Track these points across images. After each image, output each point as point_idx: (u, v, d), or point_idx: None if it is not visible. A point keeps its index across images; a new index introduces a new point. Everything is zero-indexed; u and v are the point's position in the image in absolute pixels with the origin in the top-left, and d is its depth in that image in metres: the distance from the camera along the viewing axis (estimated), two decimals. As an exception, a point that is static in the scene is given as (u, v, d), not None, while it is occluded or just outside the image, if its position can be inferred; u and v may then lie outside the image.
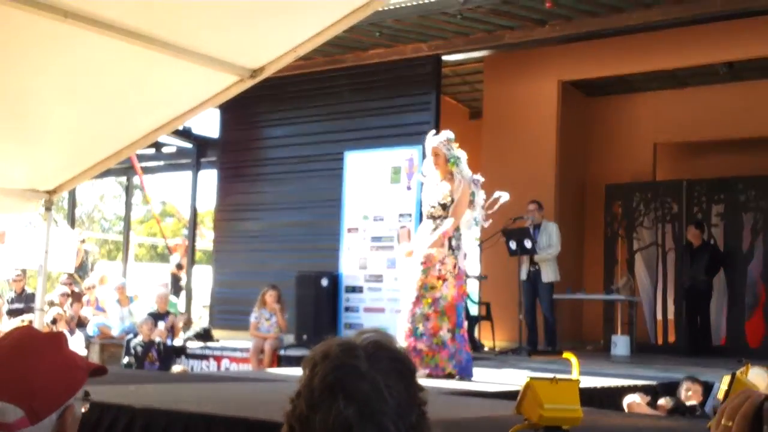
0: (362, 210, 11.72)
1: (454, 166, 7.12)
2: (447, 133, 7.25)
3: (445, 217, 7.01)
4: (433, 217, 7.09)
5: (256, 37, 7.35)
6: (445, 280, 6.86)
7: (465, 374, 6.86)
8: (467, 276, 7.84)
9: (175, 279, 14.30)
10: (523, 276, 10.57)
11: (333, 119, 12.24)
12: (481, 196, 7.26)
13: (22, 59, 6.78)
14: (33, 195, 8.38)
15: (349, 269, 11.69)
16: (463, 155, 7.20)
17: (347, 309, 11.60)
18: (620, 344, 10.75)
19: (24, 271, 13.21)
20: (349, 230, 11.79)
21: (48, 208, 8.40)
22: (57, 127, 7.69)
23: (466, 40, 11.21)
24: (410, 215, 11.28)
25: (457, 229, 7.01)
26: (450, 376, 6.77)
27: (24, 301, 12.13)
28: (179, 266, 14.53)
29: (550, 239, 10.66)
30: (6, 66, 6.81)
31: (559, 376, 2.69)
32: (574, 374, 3.66)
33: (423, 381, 1.35)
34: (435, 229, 6.99)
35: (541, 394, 2.63)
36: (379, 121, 11.77)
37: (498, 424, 3.41)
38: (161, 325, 11.15)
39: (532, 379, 2.72)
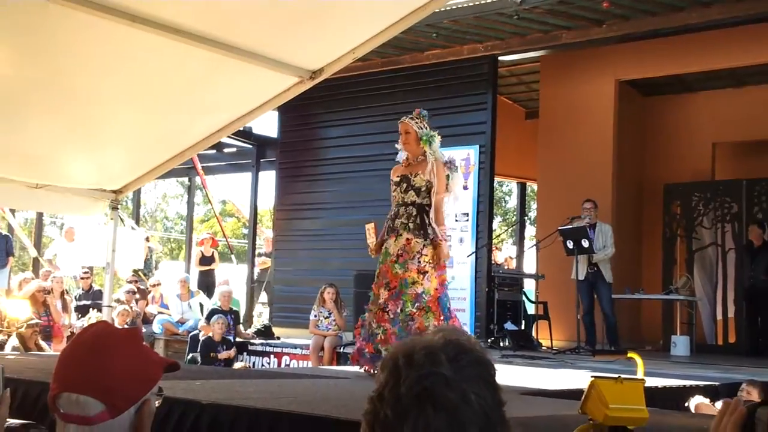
0: (419, 209, 11.78)
1: (427, 144, 6.37)
2: (421, 111, 6.68)
3: (421, 204, 6.26)
4: (405, 204, 6.31)
5: (315, 39, 7.47)
6: (425, 272, 6.10)
7: None
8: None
9: (204, 275, 14.32)
10: (580, 276, 10.52)
11: (390, 120, 12.28)
12: (458, 179, 6.57)
13: (90, 62, 6.98)
14: (100, 195, 8.61)
15: (406, 268, 11.75)
16: (437, 135, 6.50)
17: (404, 307, 11.66)
18: (680, 344, 10.66)
19: (91, 269, 13.52)
20: (407, 230, 11.85)
21: (114, 208, 8.63)
22: (123, 128, 7.89)
23: (522, 40, 11.21)
24: (467, 215, 11.32)
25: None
26: None
27: (91, 298, 12.41)
28: (203, 261, 14.57)
29: (605, 240, 10.59)
30: (75, 69, 7.02)
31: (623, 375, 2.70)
32: (639, 374, 3.65)
33: None
34: (411, 219, 6.24)
35: (606, 393, 2.62)
36: (436, 121, 11.66)
37: (562, 423, 3.45)
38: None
39: (596, 378, 2.71)
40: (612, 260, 10.66)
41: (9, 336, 8.58)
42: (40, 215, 16.98)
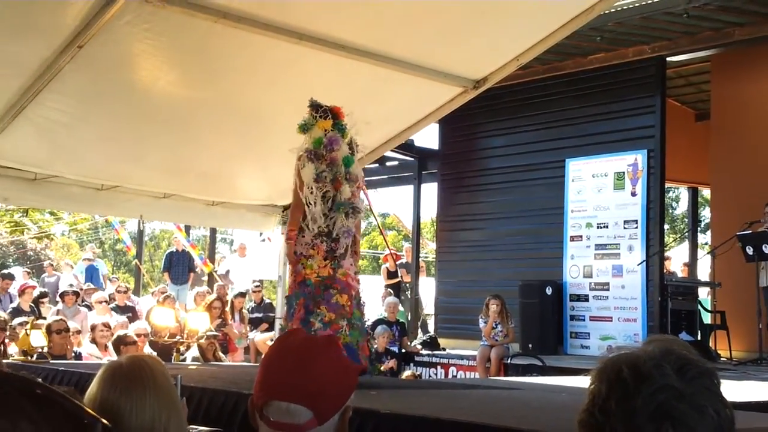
0: (585, 218, 11.54)
1: (301, 132, 6.08)
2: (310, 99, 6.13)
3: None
4: None
5: (479, 48, 7.45)
6: None
7: None
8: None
9: (391, 288, 14.55)
10: (763, 282, 9.97)
11: (553, 127, 12.12)
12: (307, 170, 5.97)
13: (258, 80, 7.23)
14: (272, 210, 8.90)
15: (573, 278, 11.53)
16: (312, 122, 5.98)
17: (572, 318, 11.42)
18: None
19: (261, 282, 13.95)
20: (573, 238, 11.63)
21: (284, 222, 8.88)
22: (291, 144, 8.10)
23: (691, 39, 10.79)
24: (636, 222, 10.98)
25: None
26: None
27: (263, 310, 12.79)
28: (390, 275, 14.78)
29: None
30: (244, 87, 7.28)
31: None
32: None
33: None
34: None
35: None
36: (601, 126, 11.54)
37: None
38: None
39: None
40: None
41: (189, 347, 8.96)
42: (213, 232, 17.69)
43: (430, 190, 14.46)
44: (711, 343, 10.82)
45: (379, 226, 20.32)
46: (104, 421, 0.84)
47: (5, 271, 13.64)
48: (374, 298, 15.02)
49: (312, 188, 5.88)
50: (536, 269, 11.92)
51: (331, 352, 1.74)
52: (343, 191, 5.87)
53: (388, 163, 14.97)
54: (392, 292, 13.87)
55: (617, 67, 11.44)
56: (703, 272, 14.04)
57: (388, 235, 30.09)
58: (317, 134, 5.94)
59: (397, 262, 15.07)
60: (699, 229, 20.87)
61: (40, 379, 1.08)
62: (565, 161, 11.82)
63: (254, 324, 12.43)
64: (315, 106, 6.02)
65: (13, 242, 30.01)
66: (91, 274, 16.12)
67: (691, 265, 14.96)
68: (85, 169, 7.91)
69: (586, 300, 11.35)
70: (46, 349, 7.62)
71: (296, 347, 1.73)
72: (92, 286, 14.57)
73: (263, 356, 1.80)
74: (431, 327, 14.38)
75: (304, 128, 5.99)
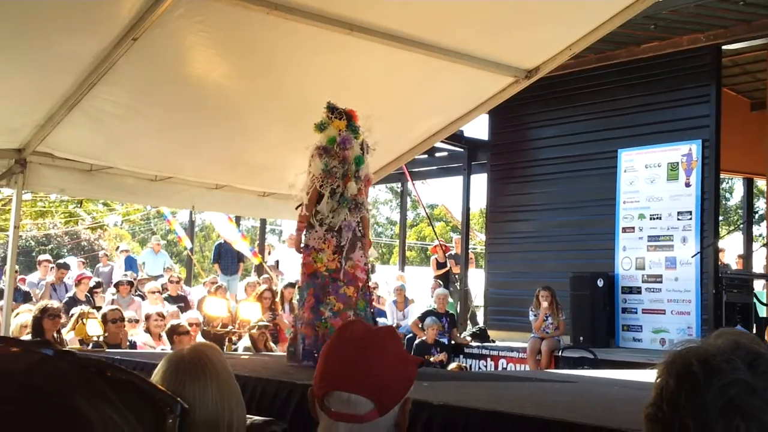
0: (638, 209, 11.40)
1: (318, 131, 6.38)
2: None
3: None
4: None
5: (531, 38, 7.38)
6: None
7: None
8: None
9: (440, 278, 14.54)
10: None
11: (605, 117, 11.98)
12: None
13: (313, 73, 7.23)
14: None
15: (625, 270, 11.40)
16: (323, 122, 6.22)
17: (624, 310, 11.30)
18: None
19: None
20: (625, 230, 11.50)
21: (333, 214, 8.88)
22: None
23: (748, 27, 10.60)
24: (690, 213, 10.82)
25: None
26: None
27: (309, 302, 12.80)
28: (439, 266, 14.77)
29: None
30: (295, 79, 7.29)
31: None
32: None
33: None
34: None
35: None
36: (654, 116, 11.38)
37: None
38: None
39: None
40: None
41: (240, 337, 9.03)
42: (263, 223, 17.79)
43: (480, 181, 14.41)
44: (766, 337, 10.65)
45: (428, 217, 20.26)
46: (181, 401, 0.83)
47: (61, 261, 13.85)
48: (423, 289, 15.05)
49: (317, 179, 6.19)
50: (587, 261, 11.81)
51: (391, 343, 1.74)
52: (350, 188, 6.16)
53: (438, 154, 14.93)
54: (441, 283, 13.85)
55: (671, 56, 11.27)
56: (758, 264, 13.80)
57: (437, 226, 30.07)
58: (332, 133, 6.24)
59: (446, 254, 15.04)
60: (753, 220, 20.49)
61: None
62: (617, 152, 11.68)
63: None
64: (332, 109, 6.29)
65: (67, 232, 30.54)
66: (130, 264, 16.31)
67: (746, 257, 14.69)
68: (139, 161, 8.00)
69: (639, 292, 11.22)
70: (101, 338, 7.72)
71: (357, 338, 1.72)
72: (146, 275, 14.76)
73: (323, 347, 1.80)
74: (480, 319, 14.33)
75: (320, 127, 6.27)
